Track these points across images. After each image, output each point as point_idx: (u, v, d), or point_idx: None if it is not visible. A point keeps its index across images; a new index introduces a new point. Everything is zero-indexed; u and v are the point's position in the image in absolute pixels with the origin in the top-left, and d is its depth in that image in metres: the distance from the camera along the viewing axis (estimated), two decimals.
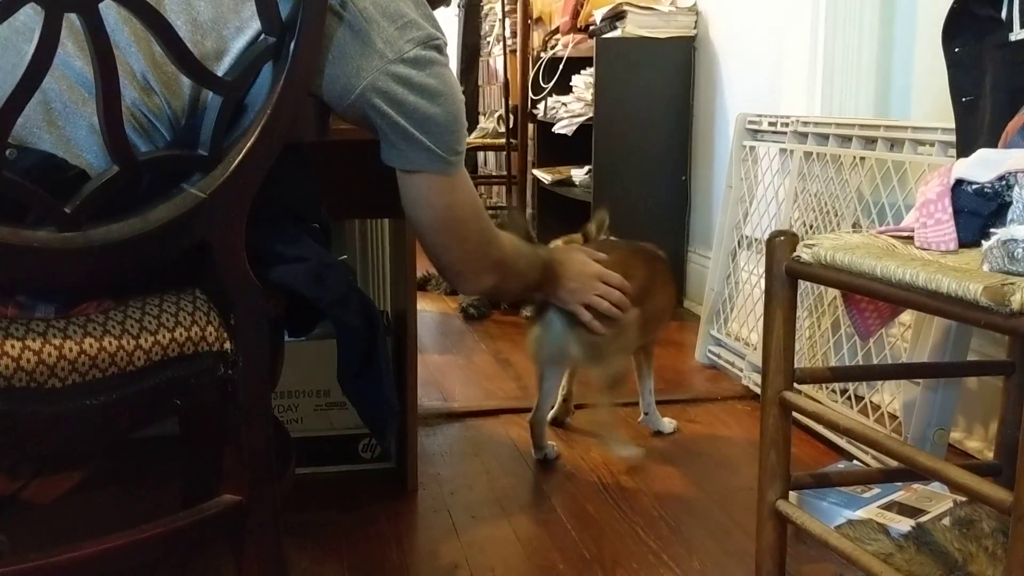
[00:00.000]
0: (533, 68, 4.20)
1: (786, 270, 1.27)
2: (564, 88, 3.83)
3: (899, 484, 1.60)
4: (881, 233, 1.31)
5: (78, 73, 0.96)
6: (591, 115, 3.33)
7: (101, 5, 0.82)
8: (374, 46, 1.05)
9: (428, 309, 3.47)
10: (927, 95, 2.31)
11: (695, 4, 3.23)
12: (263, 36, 0.96)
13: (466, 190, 1.23)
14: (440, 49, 1.10)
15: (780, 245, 1.28)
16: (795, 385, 1.31)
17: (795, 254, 1.26)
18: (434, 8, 1.15)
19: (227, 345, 1.01)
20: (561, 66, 3.80)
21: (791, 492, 1.34)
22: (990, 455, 1.67)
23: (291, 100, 0.98)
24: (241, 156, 0.96)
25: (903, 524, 1.44)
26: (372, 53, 1.05)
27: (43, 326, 0.91)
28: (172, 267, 0.99)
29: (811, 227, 2.25)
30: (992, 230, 1.13)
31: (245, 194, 0.97)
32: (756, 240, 2.49)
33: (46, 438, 0.95)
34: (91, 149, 0.96)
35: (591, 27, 3.50)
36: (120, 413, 0.96)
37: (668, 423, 2.15)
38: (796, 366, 1.32)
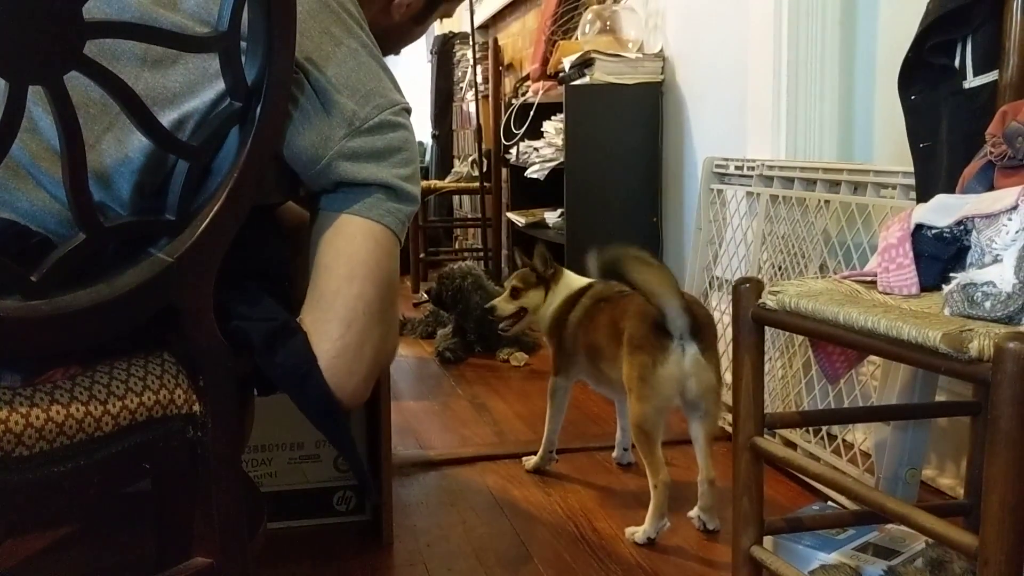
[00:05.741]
0: (505, 114, 4.25)
1: (752, 317, 1.29)
2: (535, 133, 3.88)
3: (873, 525, 1.61)
4: (845, 278, 1.33)
5: (18, 147, 0.96)
6: (562, 160, 3.37)
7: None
8: (342, 115, 1.05)
9: (403, 353, 3.46)
10: (889, 139, 2.36)
11: (661, 50, 3.29)
12: (229, 101, 0.97)
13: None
14: (404, 115, 1.10)
15: (746, 292, 1.29)
16: (768, 429, 1.32)
17: (760, 301, 1.28)
18: (384, 55, 1.15)
19: (196, 407, 1.01)
20: (532, 112, 3.85)
21: (766, 536, 1.35)
22: (962, 491, 1.68)
23: (258, 163, 0.99)
24: (208, 220, 0.96)
25: (877, 566, 1.45)
26: (339, 123, 1.05)
27: (9, 394, 0.90)
28: (140, 330, 0.99)
29: (780, 268, 2.28)
30: (952, 274, 1.15)
31: (213, 257, 0.98)
32: (727, 281, 2.52)
33: (14, 506, 0.94)
34: (49, 217, 0.97)
35: (560, 74, 3.55)
36: (88, 479, 0.96)
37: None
38: (768, 409, 1.33)
